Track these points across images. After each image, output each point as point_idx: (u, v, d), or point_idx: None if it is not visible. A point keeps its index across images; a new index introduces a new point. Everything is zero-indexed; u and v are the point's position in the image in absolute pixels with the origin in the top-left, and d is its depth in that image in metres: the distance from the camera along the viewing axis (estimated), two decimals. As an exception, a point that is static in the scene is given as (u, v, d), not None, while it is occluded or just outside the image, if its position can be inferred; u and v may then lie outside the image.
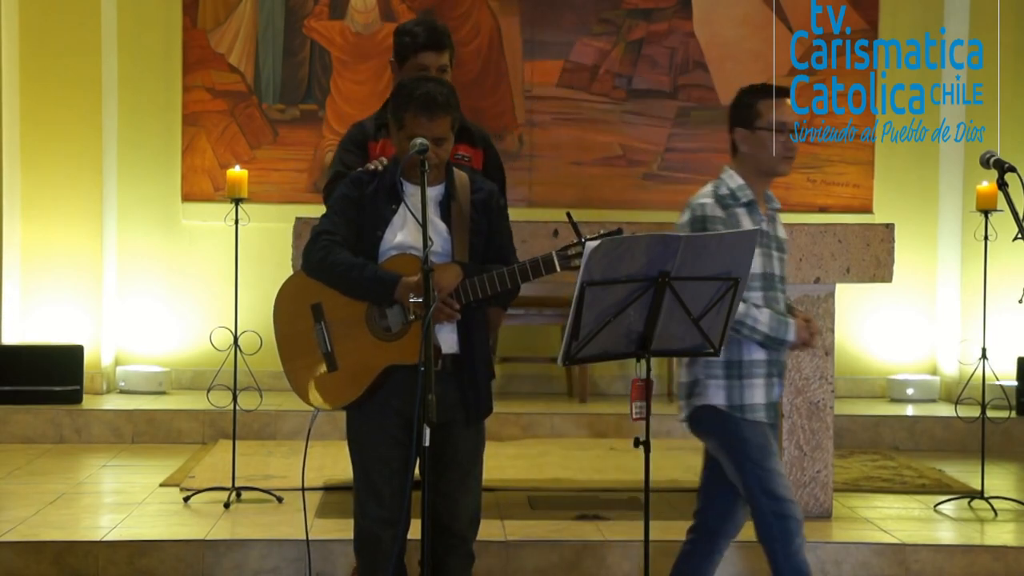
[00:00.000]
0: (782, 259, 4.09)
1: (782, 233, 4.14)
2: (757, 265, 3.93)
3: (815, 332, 4.02)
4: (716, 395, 3.97)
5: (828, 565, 5.24)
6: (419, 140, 3.75)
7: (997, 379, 6.34)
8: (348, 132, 4.78)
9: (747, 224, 3.96)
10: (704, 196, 4.02)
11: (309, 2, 8.90)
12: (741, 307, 3.88)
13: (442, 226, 3.91)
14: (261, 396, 6.20)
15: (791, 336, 3.95)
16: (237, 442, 6.10)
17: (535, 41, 8.98)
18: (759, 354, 3.97)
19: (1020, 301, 3.92)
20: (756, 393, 3.97)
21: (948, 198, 8.88)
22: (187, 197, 8.85)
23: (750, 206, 4.01)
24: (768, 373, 4.00)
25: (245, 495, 5.92)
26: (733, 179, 4.04)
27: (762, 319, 3.93)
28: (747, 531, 5.37)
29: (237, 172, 6.15)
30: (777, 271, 4.04)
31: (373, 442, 3.92)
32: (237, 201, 6.05)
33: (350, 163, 4.58)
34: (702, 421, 4.04)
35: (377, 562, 3.94)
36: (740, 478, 3.98)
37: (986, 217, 6.23)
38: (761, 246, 3.96)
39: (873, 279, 5.62)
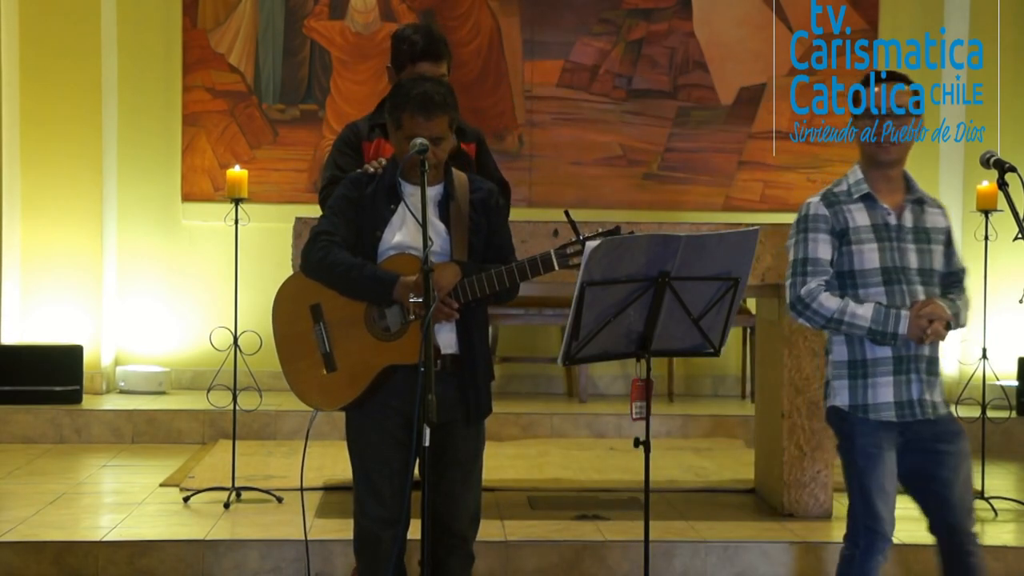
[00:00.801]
0: (926, 250, 3.90)
1: (931, 223, 3.92)
2: (875, 259, 3.85)
3: (935, 318, 3.82)
4: (841, 395, 3.91)
5: (828, 565, 5.23)
6: (419, 140, 3.75)
7: (997, 379, 6.34)
8: (341, 133, 4.77)
9: (860, 220, 3.87)
10: (817, 194, 3.96)
11: (309, 2, 8.90)
12: (838, 302, 3.83)
13: (441, 226, 3.91)
14: (261, 396, 6.20)
15: (901, 328, 3.80)
16: (237, 442, 6.10)
17: (535, 41, 8.98)
18: (884, 351, 3.87)
19: (1020, 301, 3.91)
20: (881, 392, 3.88)
21: (948, 198, 8.85)
22: (187, 197, 8.85)
23: (867, 199, 3.90)
24: (899, 370, 3.89)
25: (245, 495, 5.92)
26: (855, 174, 3.96)
27: (862, 312, 3.81)
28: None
29: (237, 172, 6.15)
30: (914, 264, 3.86)
31: (373, 442, 3.92)
32: (237, 201, 6.05)
33: (344, 164, 4.57)
34: (831, 422, 4.00)
35: (377, 562, 3.94)
36: (845, 479, 3.97)
37: (986, 217, 6.23)
38: (881, 239, 3.85)
39: (873, 279, 5.62)
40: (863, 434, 3.89)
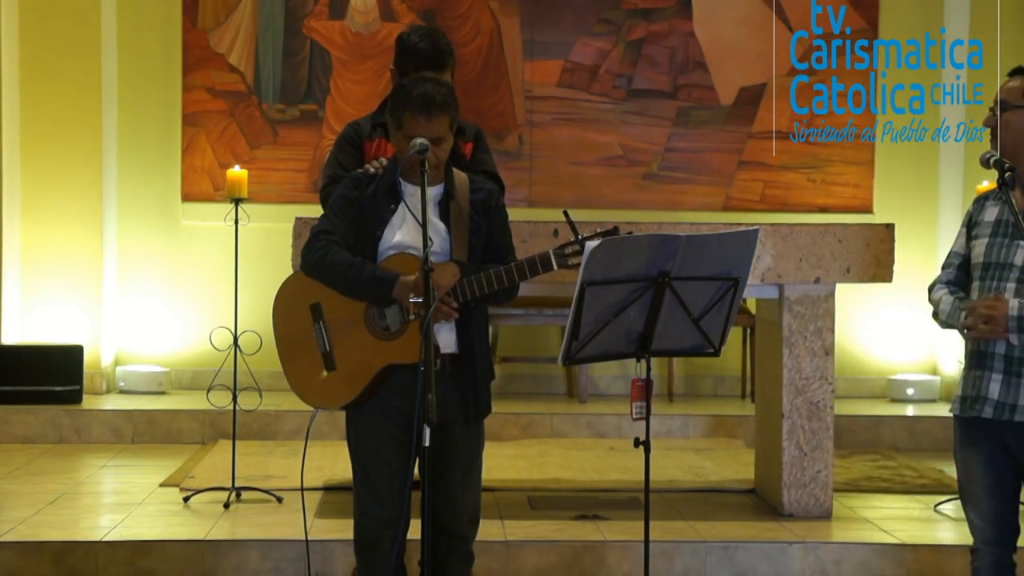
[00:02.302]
0: None
1: None
2: (981, 255, 3.81)
3: (983, 316, 3.68)
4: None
5: (828, 565, 5.24)
6: (419, 140, 3.76)
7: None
8: (343, 132, 4.78)
9: (988, 216, 3.84)
10: None
11: (309, 2, 8.90)
12: (939, 294, 3.85)
13: (441, 226, 3.91)
14: (261, 396, 6.19)
15: (959, 323, 3.77)
16: (237, 442, 6.10)
17: (535, 41, 8.98)
18: (968, 345, 3.83)
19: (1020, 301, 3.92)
20: (960, 386, 3.84)
21: (948, 198, 8.88)
22: (187, 197, 8.85)
23: (996, 195, 3.85)
24: (971, 364, 3.79)
25: (245, 495, 5.92)
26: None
27: (942, 304, 3.84)
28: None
29: (237, 172, 6.15)
30: (1019, 262, 3.75)
31: (373, 442, 3.93)
32: (237, 201, 6.05)
33: (346, 163, 4.58)
34: None
35: (377, 562, 3.94)
36: None
37: (986, 217, 6.21)
38: (995, 235, 3.79)
39: (873, 279, 5.62)
40: (953, 429, 3.90)
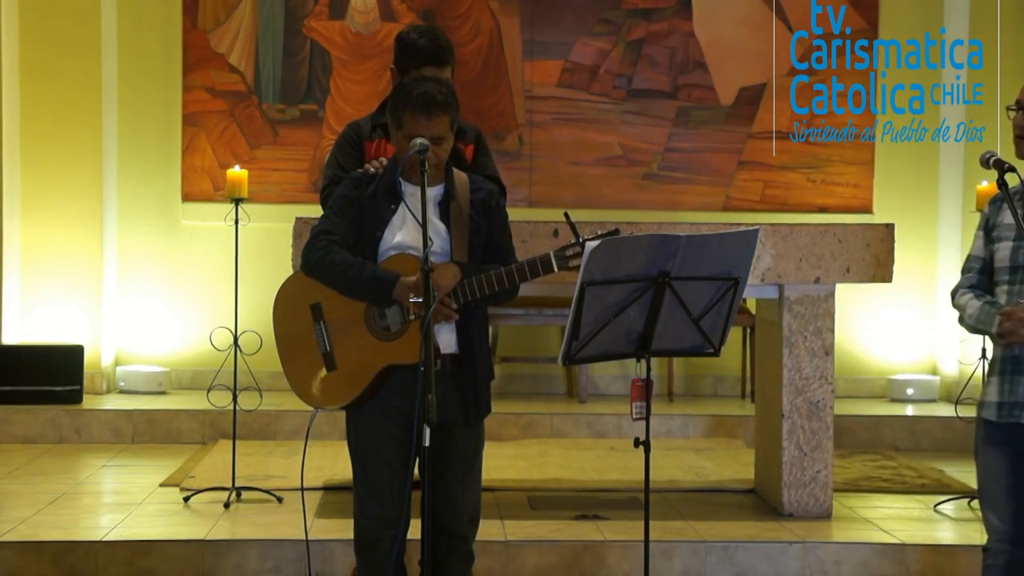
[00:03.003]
0: None
1: None
2: (1005, 258, 3.78)
3: (1017, 322, 3.68)
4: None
5: (828, 565, 5.24)
6: (419, 140, 3.76)
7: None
8: (343, 132, 4.78)
9: (1007, 218, 3.81)
10: None
11: (309, 2, 8.90)
12: (965, 298, 3.82)
13: (441, 226, 3.91)
14: (261, 396, 6.20)
15: (993, 328, 3.74)
16: (237, 442, 6.10)
17: (535, 41, 8.98)
18: (1000, 350, 3.79)
19: (1020, 300, 3.92)
20: (991, 390, 3.79)
21: (948, 198, 8.88)
22: (187, 197, 8.85)
23: (1014, 196, 3.82)
24: (1004, 369, 3.77)
25: (245, 495, 5.92)
26: None
27: (970, 309, 3.80)
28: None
29: (237, 172, 6.15)
30: None
31: (373, 442, 3.93)
32: (237, 201, 6.05)
33: (346, 163, 4.57)
34: None
35: (377, 562, 3.94)
36: None
37: (986, 217, 6.21)
38: (1019, 238, 3.75)
39: (873, 279, 5.62)
40: (977, 429, 3.85)
